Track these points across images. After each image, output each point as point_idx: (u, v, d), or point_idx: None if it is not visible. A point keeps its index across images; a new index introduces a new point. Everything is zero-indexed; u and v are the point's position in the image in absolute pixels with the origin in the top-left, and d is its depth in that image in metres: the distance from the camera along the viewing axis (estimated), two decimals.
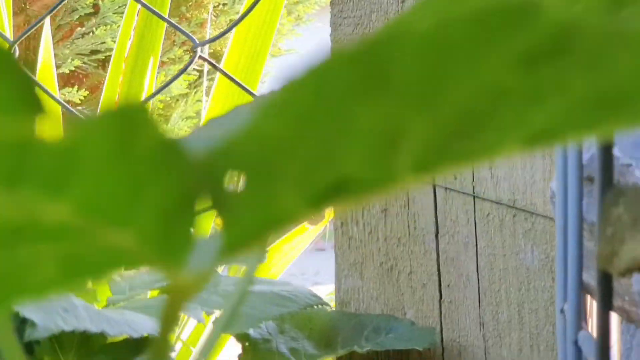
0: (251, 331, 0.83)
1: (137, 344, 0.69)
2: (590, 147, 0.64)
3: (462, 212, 0.86)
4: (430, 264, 0.86)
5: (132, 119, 0.15)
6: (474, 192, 0.85)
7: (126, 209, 0.16)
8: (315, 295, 0.84)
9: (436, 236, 0.86)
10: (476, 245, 0.85)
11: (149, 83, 1.56)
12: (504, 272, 0.85)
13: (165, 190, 0.16)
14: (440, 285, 0.86)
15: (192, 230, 0.17)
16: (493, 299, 0.85)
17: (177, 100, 2.42)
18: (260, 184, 0.17)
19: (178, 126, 2.34)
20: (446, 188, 0.86)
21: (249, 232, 0.17)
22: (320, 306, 0.84)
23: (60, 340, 0.69)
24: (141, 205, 0.16)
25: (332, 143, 0.16)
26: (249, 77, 1.42)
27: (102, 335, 0.70)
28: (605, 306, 0.46)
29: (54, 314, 0.63)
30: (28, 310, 0.63)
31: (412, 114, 0.15)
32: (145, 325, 0.68)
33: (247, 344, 0.82)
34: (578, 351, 0.52)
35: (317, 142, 0.16)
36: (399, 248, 0.87)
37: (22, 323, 0.63)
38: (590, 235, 0.66)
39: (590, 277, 0.70)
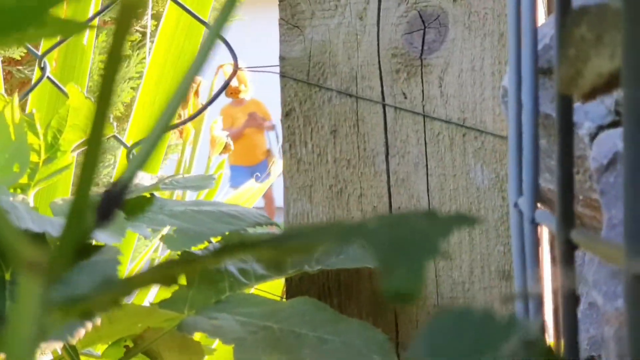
0: (198, 252, 0.81)
1: (88, 249, 0.67)
2: (544, 37, 0.63)
3: (412, 132, 0.85)
4: (381, 186, 0.85)
5: None
6: (423, 112, 0.84)
7: None
8: (264, 215, 0.83)
9: (386, 157, 0.85)
10: (426, 165, 0.84)
11: (88, 43, 1.53)
12: (454, 192, 0.84)
13: None
14: (390, 207, 0.85)
15: None
16: None
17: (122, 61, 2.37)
18: None
19: (121, 87, 2.31)
20: (395, 107, 0.85)
21: None
22: (268, 227, 0.82)
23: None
24: None
25: None
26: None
27: (45, 243, 0.68)
28: (566, 164, 0.45)
29: None
30: None
31: None
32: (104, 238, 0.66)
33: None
34: (535, 229, 0.51)
35: None
36: (349, 170, 0.86)
37: None
38: (544, 130, 0.66)
39: (544, 181, 0.69)
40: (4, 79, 2.11)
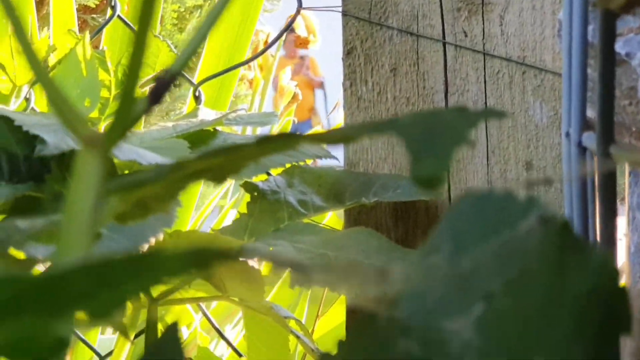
0: (259, 182, 0.83)
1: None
2: None
3: (472, 70, 0.86)
4: None
5: None
6: (484, 50, 0.85)
7: None
8: (323, 149, 0.85)
9: (445, 95, 0.86)
10: (485, 103, 0.85)
11: None
12: (512, 129, 0.85)
13: None
14: None
15: None
16: (501, 157, 0.85)
17: (191, 12, 2.42)
18: None
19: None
20: (456, 45, 0.86)
21: None
22: (327, 160, 0.84)
23: (71, 170, 0.69)
24: None
25: None
26: None
27: (114, 169, 0.71)
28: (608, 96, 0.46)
29: (63, 134, 0.64)
30: (36, 127, 0.64)
31: None
32: (153, 157, 0.69)
33: (255, 193, 0.82)
34: (582, 151, 0.52)
35: None
36: (408, 107, 0.87)
37: (32, 138, 0.64)
38: (595, 63, 0.66)
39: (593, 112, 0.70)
40: (79, 27, 2.16)
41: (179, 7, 2.31)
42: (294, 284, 0.75)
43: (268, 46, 1.13)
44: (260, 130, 1.01)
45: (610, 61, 0.44)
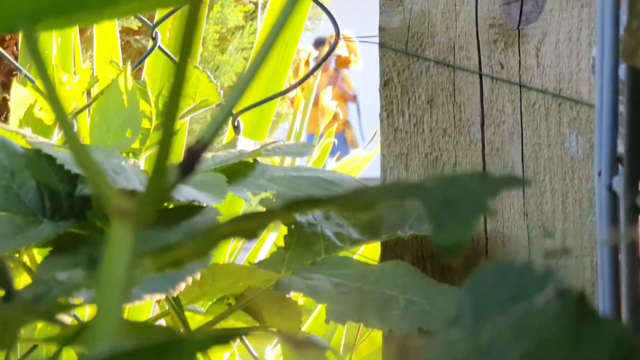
0: (297, 216, 0.84)
1: (190, 211, 0.71)
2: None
3: (508, 102, 0.86)
4: (476, 155, 0.87)
5: None
6: (520, 81, 0.85)
7: None
8: (360, 182, 0.86)
9: (482, 126, 0.87)
10: (522, 135, 0.86)
11: (201, 14, 1.57)
12: (548, 161, 0.85)
13: None
14: None
15: None
16: (537, 189, 0.85)
17: (233, 32, 2.44)
18: None
19: (234, 58, 2.36)
20: (492, 77, 0.86)
21: None
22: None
23: None
24: None
25: None
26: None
27: None
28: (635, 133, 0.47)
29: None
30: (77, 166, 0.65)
31: None
32: (192, 193, 0.70)
33: (292, 226, 0.83)
34: (613, 196, 0.52)
35: None
36: (444, 139, 0.88)
37: (74, 176, 0.65)
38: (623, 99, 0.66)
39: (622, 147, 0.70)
40: (122, 48, 2.18)
41: (221, 27, 2.34)
42: (330, 319, 0.76)
43: (304, 78, 1.15)
44: (299, 161, 1.02)
45: (637, 107, 0.44)
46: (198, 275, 0.62)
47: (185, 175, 0.30)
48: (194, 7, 0.27)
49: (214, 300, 0.91)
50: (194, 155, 0.30)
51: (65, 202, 0.69)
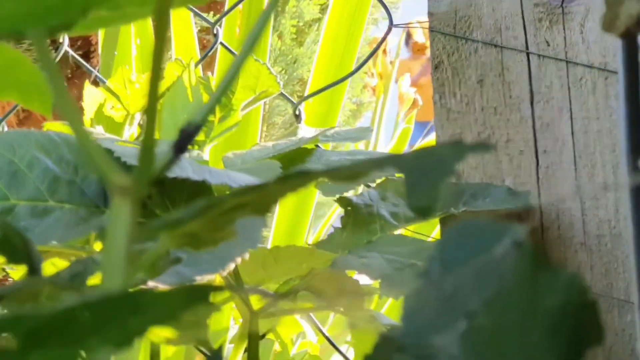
0: (354, 197, 0.88)
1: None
2: None
3: (555, 78, 0.88)
4: (527, 131, 0.89)
5: None
6: (566, 58, 0.87)
7: None
8: None
9: (531, 103, 0.89)
10: (570, 109, 0.87)
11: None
12: (598, 134, 0.86)
13: None
14: (536, 151, 0.89)
15: None
16: (588, 162, 0.87)
17: (310, 25, 2.48)
18: None
19: (311, 50, 2.41)
20: (539, 55, 0.88)
21: None
22: None
23: (171, 195, 0.75)
24: None
25: None
26: None
27: (210, 192, 0.77)
28: None
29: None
30: (134, 157, 0.70)
31: None
32: (243, 178, 0.74)
33: (349, 208, 0.87)
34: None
35: None
36: (496, 117, 0.90)
37: (130, 169, 0.70)
38: None
39: None
40: (203, 46, 2.24)
41: (298, 21, 2.38)
42: (383, 293, 0.79)
43: (360, 66, 1.18)
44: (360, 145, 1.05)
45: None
46: (247, 256, 0.66)
47: (179, 154, 0.33)
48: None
49: (281, 282, 0.95)
50: (186, 136, 0.34)
51: None
